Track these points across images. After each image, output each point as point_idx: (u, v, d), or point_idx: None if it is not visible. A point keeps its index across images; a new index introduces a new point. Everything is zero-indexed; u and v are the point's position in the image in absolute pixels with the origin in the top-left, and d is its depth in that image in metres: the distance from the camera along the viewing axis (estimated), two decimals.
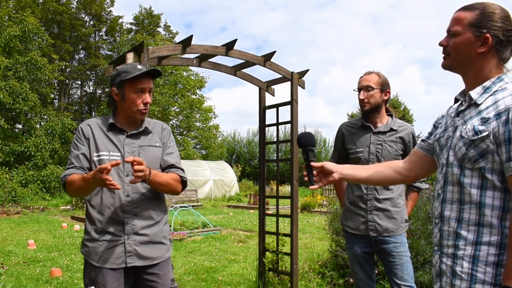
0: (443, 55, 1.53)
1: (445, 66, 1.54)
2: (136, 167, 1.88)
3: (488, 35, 1.42)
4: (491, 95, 1.42)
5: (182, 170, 2.25)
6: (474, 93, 1.45)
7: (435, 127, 1.67)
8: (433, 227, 1.54)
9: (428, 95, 57.65)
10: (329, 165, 1.78)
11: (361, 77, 2.78)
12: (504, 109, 1.34)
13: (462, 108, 1.50)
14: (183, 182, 2.22)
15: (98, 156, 2.10)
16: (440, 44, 1.53)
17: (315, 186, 1.77)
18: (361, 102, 2.75)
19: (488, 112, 1.39)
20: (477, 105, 1.44)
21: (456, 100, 1.58)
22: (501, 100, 1.37)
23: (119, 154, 2.12)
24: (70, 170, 2.08)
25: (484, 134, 1.35)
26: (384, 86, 2.73)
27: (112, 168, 1.95)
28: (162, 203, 2.24)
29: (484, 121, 1.37)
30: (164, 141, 2.25)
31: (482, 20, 1.43)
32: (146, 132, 2.21)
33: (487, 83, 1.45)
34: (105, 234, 2.07)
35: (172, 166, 2.22)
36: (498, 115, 1.35)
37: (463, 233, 1.39)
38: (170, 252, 2.24)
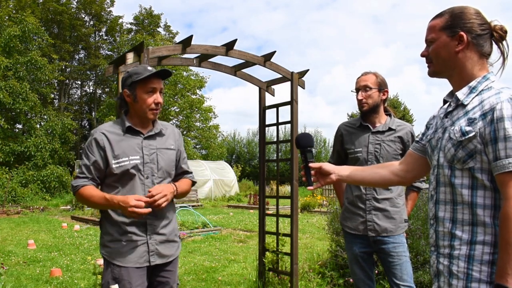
0: (427, 65, 1.56)
1: (430, 73, 1.57)
2: (159, 201, 2.07)
3: (461, 32, 1.45)
4: (477, 94, 1.44)
5: (191, 172, 2.47)
6: (461, 94, 1.47)
7: (427, 127, 1.69)
8: (429, 227, 1.56)
9: (428, 95, 57.60)
10: (327, 166, 1.79)
11: (359, 77, 2.79)
12: (489, 109, 1.35)
13: (450, 109, 1.51)
14: (193, 184, 2.46)
15: (118, 163, 2.14)
16: (422, 55, 1.57)
17: (313, 187, 1.78)
18: (359, 102, 2.75)
19: (474, 112, 1.40)
20: (464, 105, 1.46)
21: (444, 102, 1.60)
22: (487, 99, 1.39)
23: (138, 157, 2.17)
24: (82, 180, 2.16)
25: (471, 134, 1.37)
26: (382, 86, 2.74)
27: (133, 170, 2.14)
28: (172, 202, 2.33)
29: (471, 121, 1.39)
30: (179, 147, 2.38)
31: (452, 21, 1.48)
32: (161, 134, 2.29)
33: (473, 83, 1.46)
34: (128, 235, 2.14)
35: (186, 172, 2.42)
36: (483, 115, 1.36)
37: (458, 233, 1.41)
38: (180, 249, 2.37)
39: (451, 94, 1.55)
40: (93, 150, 2.16)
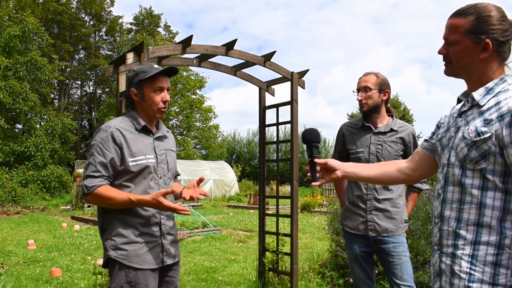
0: (444, 63, 1.53)
1: (448, 73, 1.53)
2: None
3: (488, 40, 1.41)
4: (493, 96, 1.42)
5: (180, 174, 2.54)
6: (477, 94, 1.45)
7: (438, 127, 1.67)
8: (433, 226, 1.55)
9: (429, 95, 57.65)
10: (333, 162, 1.78)
11: (360, 78, 2.80)
12: (507, 111, 1.34)
13: (465, 108, 1.50)
14: None
15: (135, 161, 2.07)
16: (440, 53, 1.52)
17: (318, 183, 1.77)
18: (359, 103, 2.77)
19: (491, 113, 1.38)
20: (479, 106, 1.44)
21: (458, 101, 1.58)
22: (504, 101, 1.37)
23: (153, 156, 2.14)
24: (99, 180, 2.02)
25: (487, 135, 1.35)
26: (383, 86, 2.74)
27: (147, 170, 2.10)
28: None
29: (487, 122, 1.37)
30: (175, 149, 2.37)
31: (479, 25, 1.41)
32: (165, 136, 2.29)
33: (489, 84, 1.44)
34: (144, 236, 2.10)
35: (178, 174, 2.46)
36: (501, 117, 1.35)
37: (462, 232, 1.40)
38: None
39: (466, 94, 1.54)
40: (109, 147, 2.03)
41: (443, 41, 1.52)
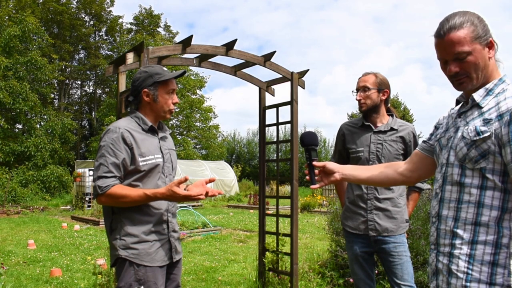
0: (459, 80, 1.46)
1: (467, 87, 1.47)
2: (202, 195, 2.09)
3: (490, 38, 1.44)
4: (493, 97, 1.43)
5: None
6: (477, 95, 1.46)
7: (436, 128, 1.68)
8: (430, 226, 1.55)
9: (429, 95, 57.59)
10: (331, 165, 1.79)
11: (359, 78, 2.81)
12: (506, 110, 1.35)
13: (465, 109, 1.51)
14: None
15: (145, 160, 2.11)
16: (451, 73, 1.46)
17: (316, 186, 1.78)
18: (358, 102, 2.77)
19: (490, 113, 1.40)
20: (479, 107, 1.45)
21: (457, 102, 1.59)
22: (503, 101, 1.39)
23: (160, 155, 2.19)
24: (111, 180, 2.04)
25: (486, 134, 1.36)
26: (382, 86, 2.74)
27: (156, 169, 2.15)
28: None
29: (486, 122, 1.38)
30: (175, 148, 2.42)
31: (482, 28, 1.44)
32: (166, 136, 2.35)
33: (489, 85, 1.46)
34: (154, 234, 2.14)
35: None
36: (500, 116, 1.36)
37: (460, 232, 1.41)
38: None
39: (465, 95, 1.54)
40: (120, 147, 2.06)
41: (440, 62, 1.50)
